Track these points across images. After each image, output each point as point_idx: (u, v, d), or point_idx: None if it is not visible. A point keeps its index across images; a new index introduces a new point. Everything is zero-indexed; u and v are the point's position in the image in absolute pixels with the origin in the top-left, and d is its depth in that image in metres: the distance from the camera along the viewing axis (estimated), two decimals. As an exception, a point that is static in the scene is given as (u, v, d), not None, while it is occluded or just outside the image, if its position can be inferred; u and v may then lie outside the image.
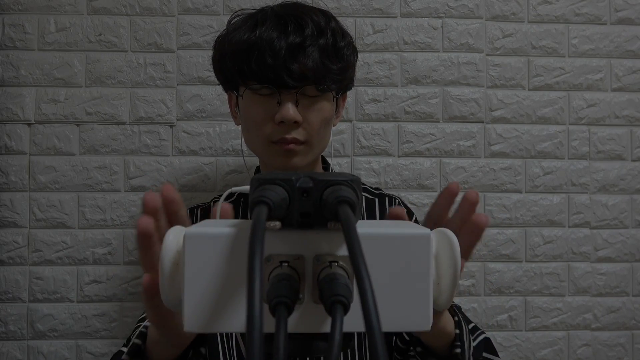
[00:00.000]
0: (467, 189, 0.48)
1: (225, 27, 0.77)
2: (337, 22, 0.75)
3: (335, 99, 0.76)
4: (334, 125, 0.80)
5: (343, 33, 0.75)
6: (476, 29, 1.10)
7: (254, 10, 0.75)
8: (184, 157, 1.07)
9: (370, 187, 0.89)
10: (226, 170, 1.07)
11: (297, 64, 0.68)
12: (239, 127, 1.03)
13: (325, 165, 0.89)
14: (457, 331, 0.58)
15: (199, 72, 1.07)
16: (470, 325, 0.73)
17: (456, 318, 0.59)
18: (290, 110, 0.69)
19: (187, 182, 1.06)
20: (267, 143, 0.72)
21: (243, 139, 0.79)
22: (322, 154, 0.87)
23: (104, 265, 1.05)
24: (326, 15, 0.74)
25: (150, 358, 0.53)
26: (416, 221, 0.85)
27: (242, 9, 0.77)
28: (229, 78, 0.75)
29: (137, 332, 0.55)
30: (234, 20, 0.75)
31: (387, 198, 0.87)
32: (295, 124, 0.70)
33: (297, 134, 0.71)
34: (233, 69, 0.72)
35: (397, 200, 0.88)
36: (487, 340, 0.71)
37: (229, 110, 1.06)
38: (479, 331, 0.73)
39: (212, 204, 0.88)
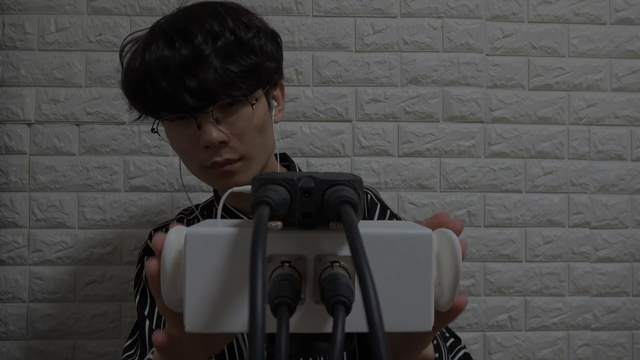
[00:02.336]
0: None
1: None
2: (237, 15, 0.66)
3: (259, 99, 0.67)
4: (276, 122, 0.73)
5: (247, 25, 0.65)
6: (476, 29, 1.10)
7: (145, 30, 0.68)
8: (184, 157, 1.07)
9: None
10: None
11: (195, 80, 0.60)
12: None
13: (288, 163, 0.83)
14: (437, 355, 0.56)
15: (199, 72, 1.07)
16: (449, 342, 0.72)
17: (435, 342, 0.57)
18: (212, 132, 0.62)
19: (187, 182, 1.06)
20: (202, 169, 0.67)
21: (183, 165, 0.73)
22: (283, 152, 0.83)
23: (104, 265, 1.05)
24: (220, 13, 0.65)
25: None
26: (392, 216, 0.81)
27: (132, 33, 0.70)
28: (141, 111, 0.69)
29: None
30: (125, 47, 0.69)
31: None
32: (223, 143, 0.64)
33: (228, 153, 0.65)
34: (136, 103, 0.66)
35: (369, 196, 0.82)
36: (466, 355, 0.70)
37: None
38: (458, 347, 0.72)
39: (175, 220, 0.85)
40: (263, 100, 0.68)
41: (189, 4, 0.70)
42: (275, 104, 0.73)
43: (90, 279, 1.05)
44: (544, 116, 1.11)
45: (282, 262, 0.33)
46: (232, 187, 0.48)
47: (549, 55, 1.11)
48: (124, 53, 0.69)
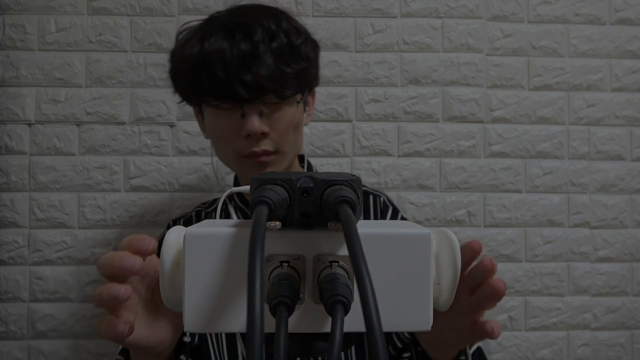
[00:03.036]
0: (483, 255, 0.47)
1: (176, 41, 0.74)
2: (289, 20, 0.71)
3: (302, 101, 0.73)
4: (305, 125, 0.78)
5: (298, 30, 0.70)
6: (476, 29, 1.10)
7: (202, 21, 0.72)
8: (184, 157, 1.07)
9: None
10: (226, 170, 1.07)
11: (250, 74, 0.64)
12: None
13: (303, 164, 0.87)
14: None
15: (199, 72, 1.07)
16: None
17: None
18: (255, 123, 0.66)
19: (187, 182, 1.07)
20: (237, 157, 0.71)
21: (214, 153, 0.77)
22: (301, 153, 0.86)
23: (104, 265, 1.05)
24: (277, 15, 0.70)
25: None
26: (402, 219, 0.84)
27: (190, 21, 0.73)
28: (186, 95, 0.72)
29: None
30: (182, 34, 0.72)
31: (371, 196, 0.85)
32: (263, 135, 0.68)
33: (266, 145, 0.69)
34: (187, 86, 0.69)
35: (381, 199, 0.85)
36: (479, 349, 0.71)
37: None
38: None
39: (194, 214, 0.87)
40: (301, 103, 0.73)
41: (241, 3, 0.74)
42: (307, 108, 0.77)
43: (90, 279, 1.05)
44: (544, 116, 1.11)
45: (281, 262, 0.33)
46: None
47: (548, 55, 1.11)
48: (180, 36, 0.72)
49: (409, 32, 1.10)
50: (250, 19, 0.67)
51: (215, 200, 0.88)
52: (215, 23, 0.68)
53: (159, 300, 0.46)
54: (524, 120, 1.11)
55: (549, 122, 1.11)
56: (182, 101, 0.75)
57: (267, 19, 0.67)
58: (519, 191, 1.10)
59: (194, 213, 0.87)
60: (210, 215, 0.85)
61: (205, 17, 0.72)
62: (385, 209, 0.84)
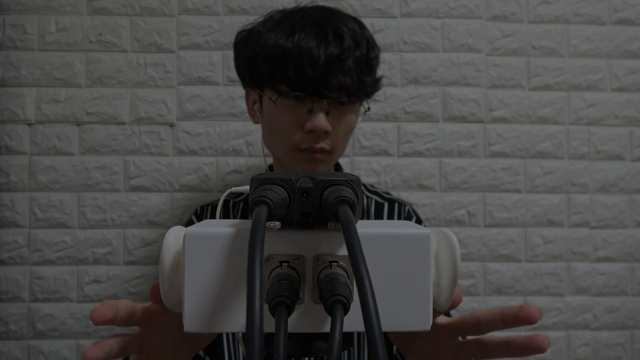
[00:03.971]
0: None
1: (252, 23, 0.75)
2: (368, 33, 0.74)
3: (368, 109, 0.77)
4: None
5: (374, 44, 0.74)
6: (476, 29, 1.10)
7: (288, 11, 0.73)
8: (184, 157, 1.07)
9: (381, 192, 0.90)
10: (226, 170, 1.07)
11: (335, 78, 0.67)
12: (242, 127, 1.04)
13: (336, 166, 0.89)
14: None
15: (199, 72, 1.07)
16: None
17: None
18: (322, 120, 0.68)
19: (187, 182, 1.07)
20: (293, 149, 0.72)
21: (263, 139, 0.78)
22: None
23: (104, 265, 1.05)
24: (360, 24, 0.73)
25: None
26: None
27: (277, 10, 0.75)
28: (256, 78, 0.73)
29: None
30: (267, 20, 0.73)
31: (396, 204, 0.87)
32: (325, 133, 0.70)
33: (325, 144, 0.71)
34: (266, 72, 0.70)
35: (406, 208, 0.88)
36: None
37: (229, 110, 1.07)
38: None
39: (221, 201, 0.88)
40: (368, 109, 0.78)
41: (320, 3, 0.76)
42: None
43: (90, 279, 1.05)
44: (543, 116, 1.11)
45: (281, 262, 0.33)
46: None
47: (548, 55, 1.11)
48: (266, 21, 0.73)
49: (409, 32, 1.10)
50: (340, 21, 0.70)
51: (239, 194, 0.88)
52: (305, 18, 0.70)
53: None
54: (524, 120, 1.11)
55: (549, 122, 1.11)
56: (243, 85, 0.77)
57: (353, 24, 0.71)
58: (519, 191, 1.10)
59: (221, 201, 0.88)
60: (238, 205, 0.86)
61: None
62: (408, 218, 0.87)
